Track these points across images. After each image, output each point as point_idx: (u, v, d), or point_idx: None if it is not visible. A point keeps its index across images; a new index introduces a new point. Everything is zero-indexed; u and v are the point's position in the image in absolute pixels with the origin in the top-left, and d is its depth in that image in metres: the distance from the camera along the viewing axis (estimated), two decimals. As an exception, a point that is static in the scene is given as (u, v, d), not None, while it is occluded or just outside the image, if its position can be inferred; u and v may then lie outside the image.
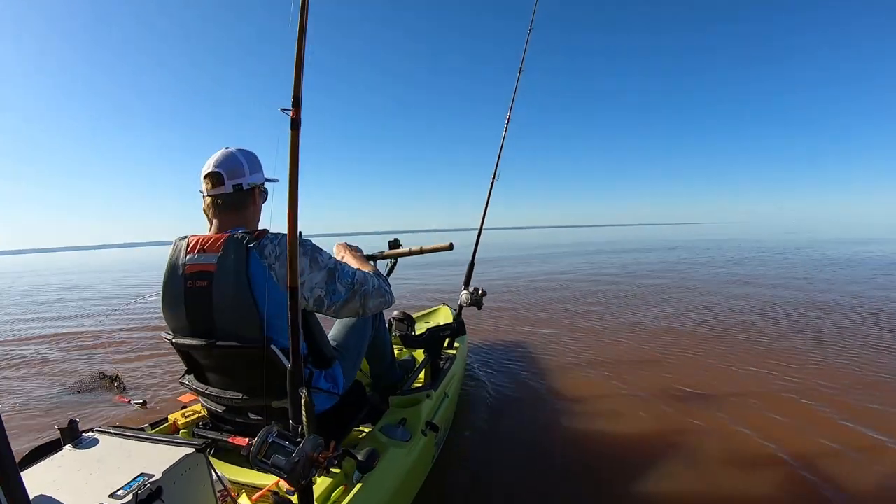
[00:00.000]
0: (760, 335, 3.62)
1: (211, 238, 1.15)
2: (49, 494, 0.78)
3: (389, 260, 1.87)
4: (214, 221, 1.22)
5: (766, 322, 4.03)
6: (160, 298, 1.22)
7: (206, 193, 1.21)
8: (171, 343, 1.20)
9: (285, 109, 0.89)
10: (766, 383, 2.58)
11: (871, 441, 1.90)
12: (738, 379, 2.68)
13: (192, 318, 1.16)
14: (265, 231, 1.15)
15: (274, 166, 0.90)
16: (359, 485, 1.12)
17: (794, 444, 1.89)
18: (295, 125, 0.89)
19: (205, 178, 1.20)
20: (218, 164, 1.20)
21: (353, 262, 1.41)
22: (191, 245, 1.16)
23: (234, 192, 1.20)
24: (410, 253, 1.81)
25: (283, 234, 1.09)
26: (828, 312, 4.27)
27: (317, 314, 1.25)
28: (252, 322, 1.08)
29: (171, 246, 1.21)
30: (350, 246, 1.56)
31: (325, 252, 1.20)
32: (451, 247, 1.76)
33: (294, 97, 0.89)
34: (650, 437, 2.02)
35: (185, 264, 1.15)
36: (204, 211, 1.25)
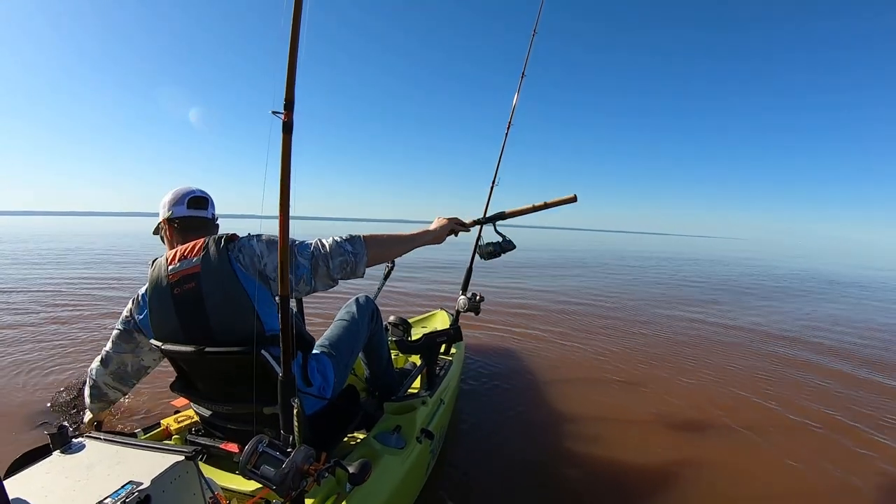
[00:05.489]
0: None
1: (188, 246, 1.19)
2: (34, 502, 0.77)
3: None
4: (178, 243, 1.27)
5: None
6: (146, 315, 1.25)
7: (180, 215, 1.29)
8: (161, 350, 1.19)
9: (277, 112, 0.86)
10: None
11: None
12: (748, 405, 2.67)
13: (185, 325, 1.16)
14: (235, 234, 1.21)
15: (265, 170, 0.88)
16: (352, 494, 1.11)
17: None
18: (287, 129, 0.86)
19: (190, 199, 1.30)
20: (202, 192, 1.33)
21: (435, 226, 1.50)
22: (170, 258, 1.20)
23: (210, 220, 1.34)
24: (535, 209, 1.68)
25: (252, 235, 1.20)
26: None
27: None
28: (247, 312, 1.11)
29: (150, 268, 1.24)
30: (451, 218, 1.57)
31: None
32: (575, 198, 1.64)
33: (286, 100, 0.86)
34: (651, 461, 1.99)
35: (168, 275, 1.17)
36: (163, 236, 1.34)
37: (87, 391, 1.51)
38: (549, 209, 1.68)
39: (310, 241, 1.23)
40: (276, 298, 1.21)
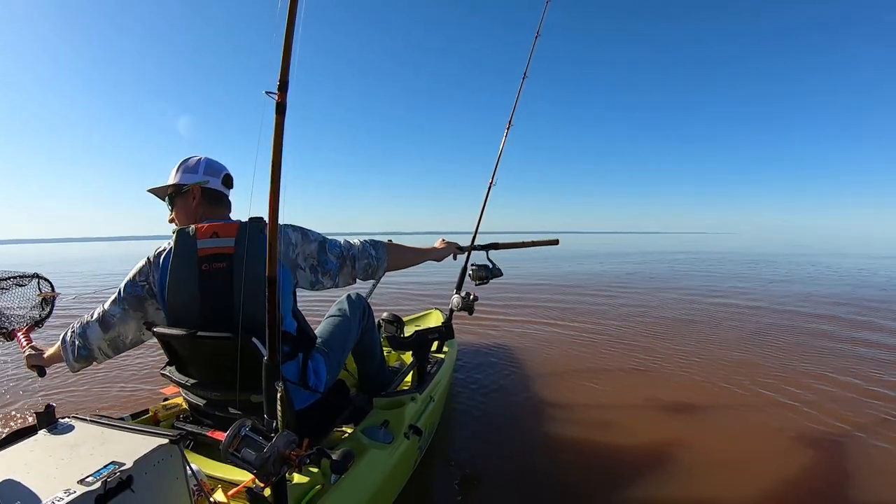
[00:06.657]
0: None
1: (221, 224, 1.20)
2: (17, 479, 0.77)
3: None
4: (202, 213, 1.29)
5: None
6: (152, 288, 1.24)
7: (215, 187, 1.30)
8: (153, 333, 1.20)
9: (270, 93, 0.86)
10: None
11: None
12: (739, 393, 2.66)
13: (206, 301, 1.16)
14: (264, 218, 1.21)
15: (256, 151, 0.88)
16: (336, 485, 1.11)
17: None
18: (280, 110, 0.86)
19: (225, 176, 1.33)
20: (229, 171, 1.36)
21: (439, 245, 1.69)
22: (201, 231, 1.19)
23: (228, 199, 1.35)
24: (523, 244, 2.06)
25: (285, 224, 1.21)
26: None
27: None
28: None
29: (174, 235, 1.22)
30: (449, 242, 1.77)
31: (313, 230, 1.30)
32: (557, 242, 2.04)
33: (281, 80, 0.86)
34: (640, 449, 2.00)
35: (197, 249, 1.16)
36: (184, 200, 1.30)
37: (71, 349, 1.34)
38: (534, 247, 2.11)
39: (339, 240, 1.29)
40: (296, 289, 1.26)
